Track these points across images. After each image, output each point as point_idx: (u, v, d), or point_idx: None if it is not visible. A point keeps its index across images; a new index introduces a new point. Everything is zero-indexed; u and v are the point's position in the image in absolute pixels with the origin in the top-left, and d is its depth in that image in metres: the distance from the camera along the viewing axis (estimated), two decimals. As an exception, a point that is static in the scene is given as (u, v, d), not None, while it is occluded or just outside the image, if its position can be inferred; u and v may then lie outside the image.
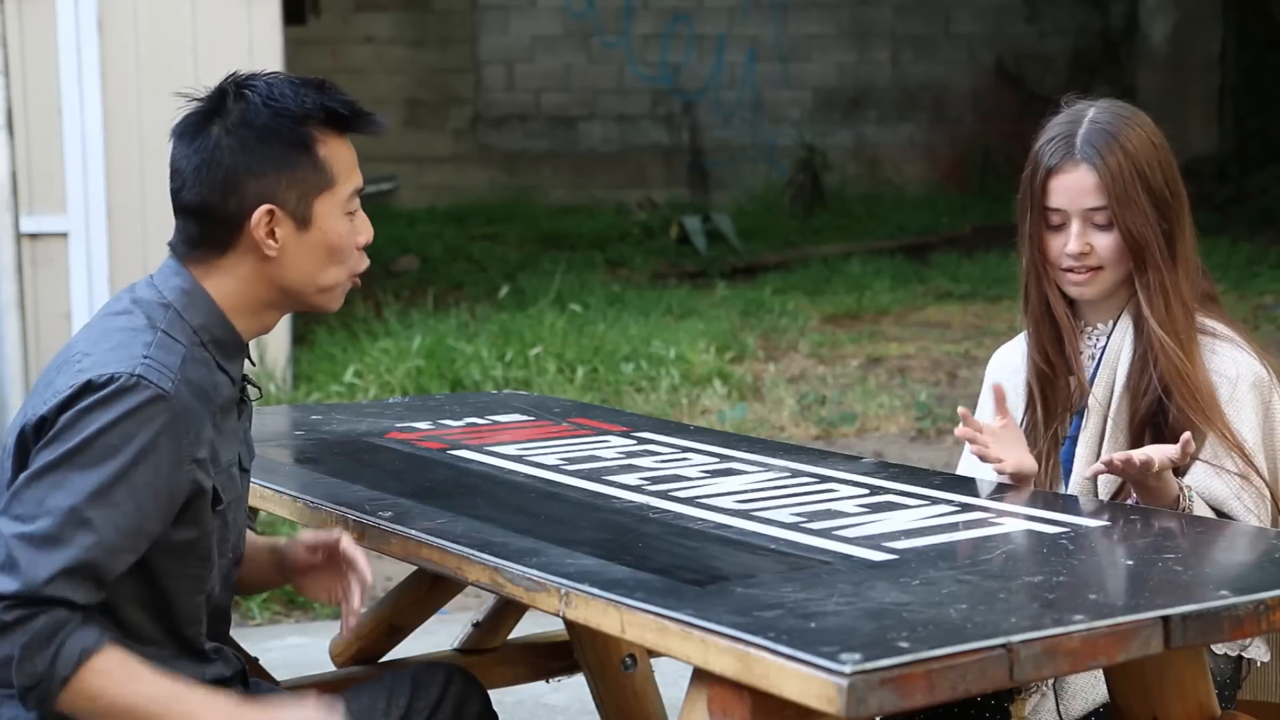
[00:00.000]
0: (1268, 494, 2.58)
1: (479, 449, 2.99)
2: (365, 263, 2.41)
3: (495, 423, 3.30)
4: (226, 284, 2.30)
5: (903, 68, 14.80)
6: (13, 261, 6.13)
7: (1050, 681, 2.55)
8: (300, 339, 8.42)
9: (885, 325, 9.70)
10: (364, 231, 2.37)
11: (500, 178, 14.20)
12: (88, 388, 2.14)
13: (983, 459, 2.61)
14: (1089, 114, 2.70)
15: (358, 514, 2.50)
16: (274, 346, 7.64)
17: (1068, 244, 2.67)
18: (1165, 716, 2.31)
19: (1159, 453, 2.45)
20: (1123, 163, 2.63)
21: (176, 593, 2.28)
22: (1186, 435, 2.44)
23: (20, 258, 6.12)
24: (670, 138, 14.58)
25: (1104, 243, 2.66)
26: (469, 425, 3.26)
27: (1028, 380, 2.81)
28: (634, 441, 3.06)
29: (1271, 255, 11.22)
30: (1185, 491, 2.53)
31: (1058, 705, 2.55)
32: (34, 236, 7.21)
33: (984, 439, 2.59)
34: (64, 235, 7.40)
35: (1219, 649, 2.58)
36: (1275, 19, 14.16)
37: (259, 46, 7.37)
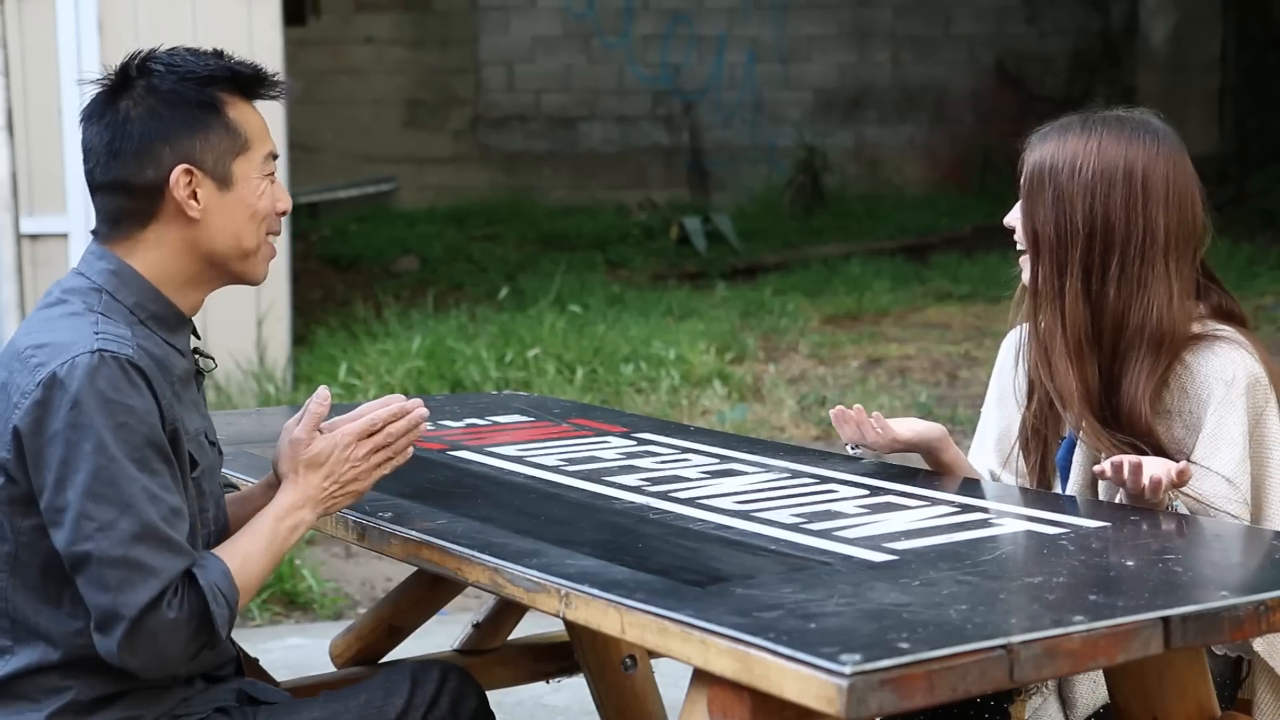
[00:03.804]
0: (1248, 502, 2.55)
1: (479, 449, 2.99)
2: (280, 228, 2.43)
3: (495, 423, 3.30)
4: (152, 256, 2.31)
5: (903, 68, 14.79)
6: (13, 262, 6.14)
7: (1054, 686, 2.55)
8: (300, 339, 8.42)
9: (885, 326, 9.70)
10: (283, 199, 2.40)
11: (500, 178, 14.20)
12: (54, 381, 2.14)
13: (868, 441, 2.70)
14: (1103, 111, 2.71)
15: (358, 514, 2.50)
16: (274, 346, 7.64)
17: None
18: (1165, 716, 2.31)
19: (1162, 470, 2.44)
20: (1048, 154, 2.65)
21: None
22: (1184, 464, 2.44)
23: (20, 258, 6.14)
24: (670, 138, 14.57)
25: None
26: (469, 426, 3.26)
27: (1028, 375, 2.81)
28: (634, 442, 3.06)
29: (1271, 255, 11.22)
30: (1170, 505, 2.53)
31: (1065, 713, 2.55)
32: (34, 237, 7.22)
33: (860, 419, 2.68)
34: (64, 236, 7.40)
35: (1219, 649, 2.58)
36: (1275, 19, 14.16)
37: (259, 46, 7.37)
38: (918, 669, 1.74)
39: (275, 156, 2.39)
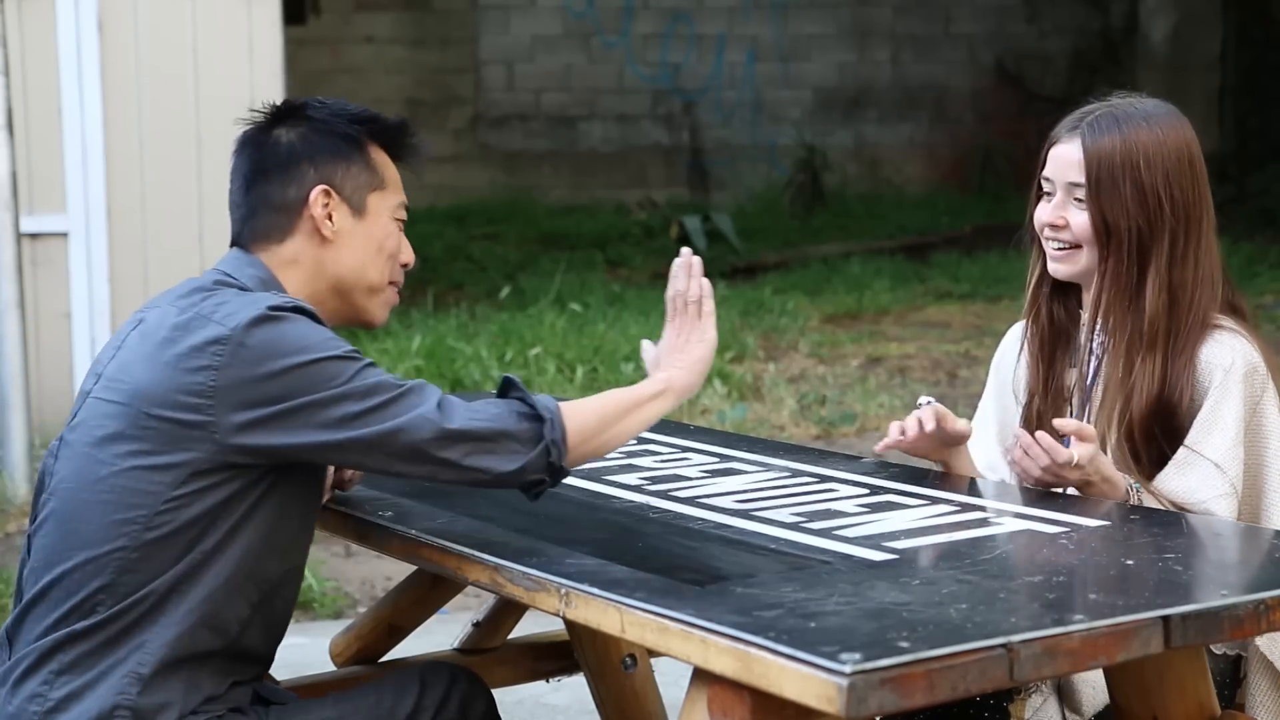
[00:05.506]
0: (1237, 490, 2.55)
1: (479, 449, 2.99)
2: (402, 280, 2.53)
3: (495, 423, 3.29)
4: (289, 272, 2.40)
5: (903, 68, 14.79)
6: (13, 261, 6.14)
7: (1053, 687, 2.54)
8: (300, 339, 8.41)
9: (885, 325, 9.70)
10: (407, 251, 2.52)
11: (500, 178, 14.19)
12: (266, 317, 2.21)
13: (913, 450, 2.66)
14: (1118, 101, 2.70)
15: (358, 514, 2.50)
16: (274, 346, 7.63)
17: (1046, 213, 2.70)
18: (1165, 716, 2.31)
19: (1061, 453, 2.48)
20: (1115, 147, 2.61)
21: (292, 521, 2.35)
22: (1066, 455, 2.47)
23: (20, 258, 6.14)
24: (670, 138, 14.57)
25: (1079, 220, 2.65)
26: (469, 425, 3.25)
27: (1029, 365, 2.80)
28: (634, 441, 3.06)
29: (1271, 255, 11.22)
30: (1133, 489, 2.54)
31: (1062, 710, 2.54)
32: (34, 236, 7.21)
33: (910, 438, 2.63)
34: (64, 235, 7.39)
35: (1218, 648, 2.58)
36: (1275, 19, 14.16)
37: (259, 46, 7.36)
38: (918, 668, 1.74)
39: (406, 208, 2.51)
